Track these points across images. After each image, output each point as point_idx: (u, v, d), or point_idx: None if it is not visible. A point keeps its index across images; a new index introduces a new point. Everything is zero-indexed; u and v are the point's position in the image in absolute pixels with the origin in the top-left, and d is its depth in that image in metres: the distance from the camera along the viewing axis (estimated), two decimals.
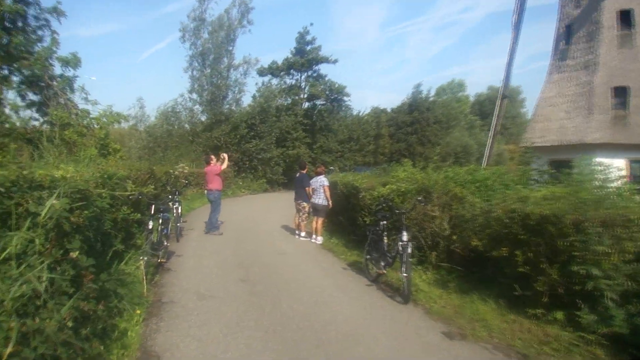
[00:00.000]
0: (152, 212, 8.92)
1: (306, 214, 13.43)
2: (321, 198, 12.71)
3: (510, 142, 59.98)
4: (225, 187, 28.69)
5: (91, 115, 17.15)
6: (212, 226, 13.37)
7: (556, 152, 20.63)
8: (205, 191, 13.70)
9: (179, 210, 12.95)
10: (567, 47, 22.29)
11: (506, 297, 6.94)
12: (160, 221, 9.20)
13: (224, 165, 13.60)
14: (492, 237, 7.26)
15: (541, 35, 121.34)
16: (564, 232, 6.13)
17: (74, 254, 4.34)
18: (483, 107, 73.91)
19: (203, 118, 37.12)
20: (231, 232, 13.84)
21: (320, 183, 12.73)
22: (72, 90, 17.32)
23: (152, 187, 10.27)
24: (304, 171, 13.53)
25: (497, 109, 24.21)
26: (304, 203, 13.22)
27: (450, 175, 9.77)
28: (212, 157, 13.85)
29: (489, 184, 9.27)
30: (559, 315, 6.18)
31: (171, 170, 20.05)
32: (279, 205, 23.77)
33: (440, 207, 8.75)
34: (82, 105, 17.44)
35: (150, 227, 8.37)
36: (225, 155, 13.84)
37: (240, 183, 33.44)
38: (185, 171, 22.74)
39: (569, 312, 6.06)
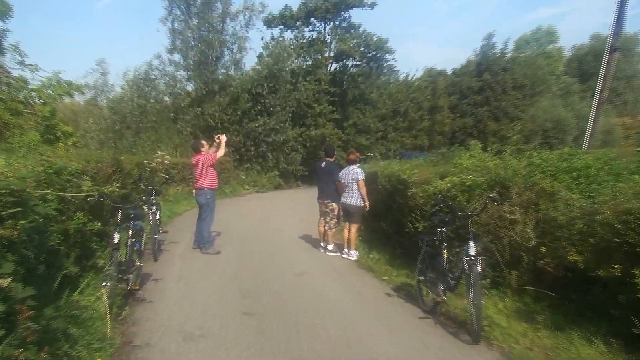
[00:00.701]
0: (119, 220, 8.94)
1: (335, 219, 13.40)
2: (354, 197, 12.67)
3: (624, 113, 59.04)
4: (222, 183, 28.99)
5: (30, 86, 16.99)
6: (203, 240, 13.34)
7: None
8: (194, 190, 13.65)
9: (157, 217, 13.01)
10: None
11: (621, 336, 6.77)
12: (131, 232, 9.23)
13: (221, 153, 13.43)
14: (598, 249, 7.12)
15: None
16: None
17: (4, 282, 4.32)
18: (584, 64, 72.92)
19: (190, 88, 37.35)
20: (231, 247, 13.91)
21: (354, 176, 12.66)
22: (1, 51, 17.12)
23: (119, 184, 10.30)
24: (332, 159, 13.49)
25: (604, 66, 23.78)
26: (333, 204, 13.20)
27: (536, 162, 9.65)
28: (203, 142, 13.71)
29: (593, 173, 9.14)
30: None
31: (146, 162, 20.19)
32: (296, 207, 23.77)
33: (523, 208, 8.67)
34: (16, 71, 17.25)
35: (116, 240, 8.39)
36: (223, 138, 13.65)
37: (243, 177, 33.69)
38: (166, 162, 22.88)
39: None
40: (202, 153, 13.26)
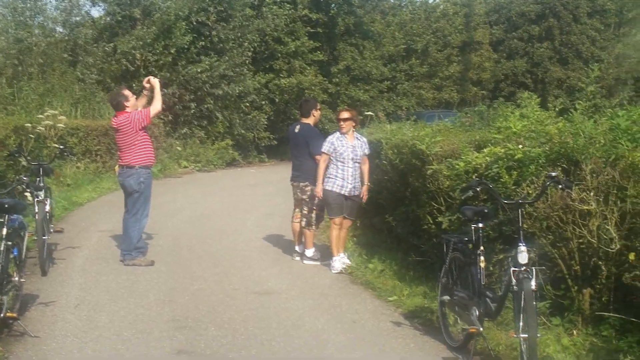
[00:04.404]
0: None
1: (315, 211, 13.54)
2: (352, 179, 12.89)
3: None
4: None
5: None
6: (129, 246, 13.16)
7: None
8: (117, 169, 13.47)
9: (47, 209, 12.94)
10: None
11: None
12: (5, 232, 9.18)
13: (157, 106, 12.96)
14: None
15: None
16: None
17: None
18: None
19: (96, 13, 37.05)
20: (160, 256, 13.87)
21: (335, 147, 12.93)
22: None
23: None
24: (309, 120, 13.62)
25: None
26: (312, 188, 13.28)
27: (622, 124, 9.60)
28: (127, 93, 13.27)
29: None
30: None
31: (29, 125, 20.02)
32: (260, 194, 23.88)
33: (601, 194, 8.59)
34: None
35: None
36: (155, 82, 13.27)
37: (179, 149, 33.47)
38: (60, 126, 22.70)
39: None
40: (127, 110, 12.99)
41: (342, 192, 12.77)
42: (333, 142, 12.89)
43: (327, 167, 12.89)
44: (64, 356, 8.23)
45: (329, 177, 12.84)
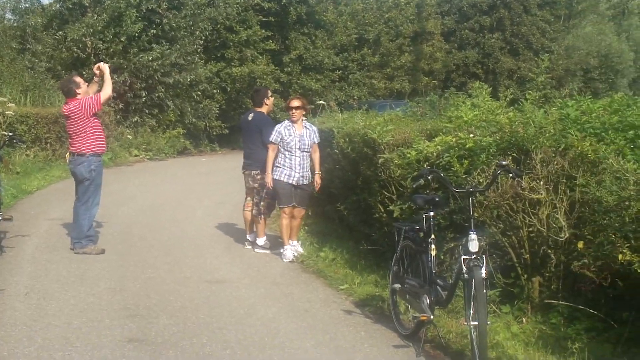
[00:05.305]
0: None
1: (267, 200, 13.51)
2: (300, 168, 12.87)
3: None
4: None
5: None
6: (80, 234, 13.08)
7: None
8: (67, 156, 13.34)
9: None
10: None
11: None
12: None
13: (107, 91, 12.91)
14: None
15: None
16: None
17: None
18: None
19: (46, 0, 36.68)
20: (111, 245, 13.77)
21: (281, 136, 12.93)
22: None
23: None
24: (262, 109, 13.63)
25: None
26: (263, 177, 13.22)
27: (572, 114, 9.66)
28: (79, 80, 13.18)
29: None
30: None
31: None
32: (212, 182, 23.82)
33: (550, 183, 8.65)
34: None
35: None
36: (104, 67, 13.17)
37: (130, 137, 33.22)
38: (10, 113, 22.47)
39: None
40: (78, 97, 12.87)
41: (290, 182, 12.78)
42: (280, 132, 12.89)
43: (276, 157, 12.93)
44: (12, 345, 8.12)
45: (277, 167, 12.87)
